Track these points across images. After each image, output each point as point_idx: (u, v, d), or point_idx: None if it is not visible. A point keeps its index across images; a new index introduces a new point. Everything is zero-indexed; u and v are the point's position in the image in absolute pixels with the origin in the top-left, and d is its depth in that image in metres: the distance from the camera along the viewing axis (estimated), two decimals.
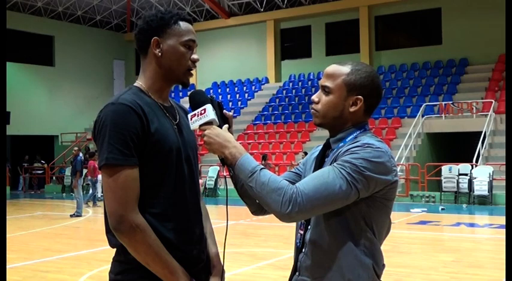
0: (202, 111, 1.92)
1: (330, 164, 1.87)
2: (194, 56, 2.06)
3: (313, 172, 1.97)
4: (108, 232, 1.97)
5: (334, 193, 1.75)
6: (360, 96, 1.91)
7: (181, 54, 2.03)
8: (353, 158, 1.79)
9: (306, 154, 18.27)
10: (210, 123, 1.92)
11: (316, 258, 1.89)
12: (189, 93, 2.05)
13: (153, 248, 1.88)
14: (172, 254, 1.95)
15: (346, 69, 1.93)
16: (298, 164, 2.20)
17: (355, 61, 1.98)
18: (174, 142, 2.01)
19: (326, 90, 1.94)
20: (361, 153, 1.80)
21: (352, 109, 1.92)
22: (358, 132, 1.93)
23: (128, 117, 1.90)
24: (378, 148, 1.83)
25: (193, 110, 1.96)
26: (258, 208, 2.06)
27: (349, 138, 1.92)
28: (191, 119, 1.95)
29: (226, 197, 2.13)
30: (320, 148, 2.06)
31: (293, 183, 1.81)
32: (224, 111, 1.98)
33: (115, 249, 2.01)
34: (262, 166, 1.82)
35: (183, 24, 2.06)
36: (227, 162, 1.88)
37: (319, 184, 1.76)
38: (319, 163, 1.99)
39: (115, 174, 1.88)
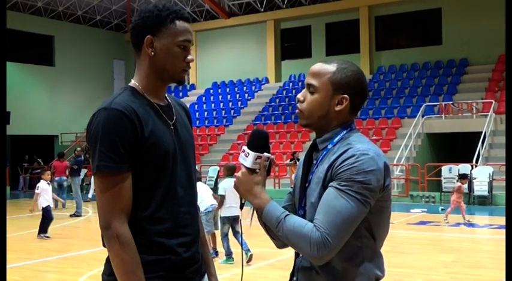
0: (247, 154, 1.92)
1: (320, 163, 1.87)
2: (189, 57, 2.02)
3: (302, 176, 1.97)
4: None
5: (352, 218, 1.76)
6: (345, 95, 1.88)
7: (175, 55, 1.99)
8: (353, 174, 1.76)
9: (292, 159, 18.16)
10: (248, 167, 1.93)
11: (312, 263, 1.87)
12: (255, 130, 2.00)
13: (124, 265, 1.86)
14: (166, 256, 1.94)
15: (331, 67, 1.91)
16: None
17: (341, 60, 1.96)
18: (169, 144, 1.99)
19: (311, 89, 1.91)
20: (359, 166, 1.77)
21: (337, 108, 1.89)
22: (344, 132, 1.91)
23: (120, 123, 1.88)
24: (370, 154, 1.79)
25: (247, 146, 1.96)
26: (284, 244, 2.04)
27: (336, 139, 1.89)
28: (243, 151, 1.95)
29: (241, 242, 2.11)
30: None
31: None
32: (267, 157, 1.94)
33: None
34: (287, 213, 1.83)
35: (179, 24, 1.99)
36: (256, 212, 1.91)
37: (337, 218, 1.75)
38: (307, 165, 1.97)
39: (106, 182, 1.88)
